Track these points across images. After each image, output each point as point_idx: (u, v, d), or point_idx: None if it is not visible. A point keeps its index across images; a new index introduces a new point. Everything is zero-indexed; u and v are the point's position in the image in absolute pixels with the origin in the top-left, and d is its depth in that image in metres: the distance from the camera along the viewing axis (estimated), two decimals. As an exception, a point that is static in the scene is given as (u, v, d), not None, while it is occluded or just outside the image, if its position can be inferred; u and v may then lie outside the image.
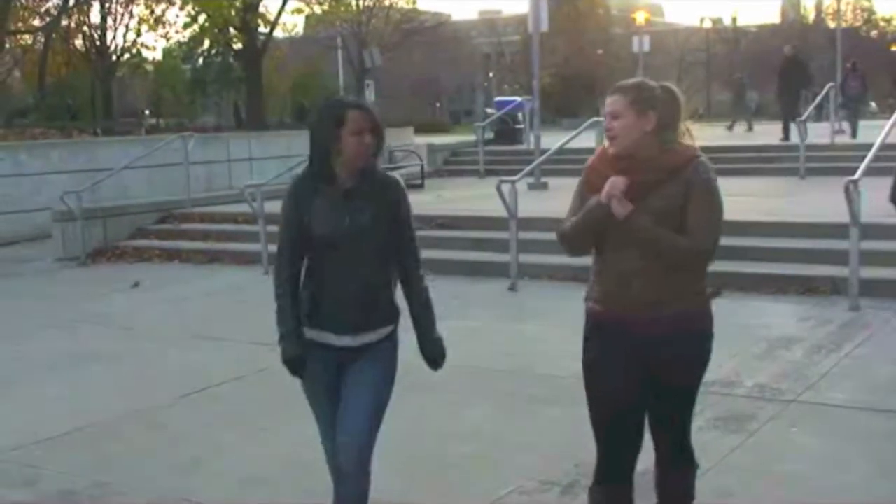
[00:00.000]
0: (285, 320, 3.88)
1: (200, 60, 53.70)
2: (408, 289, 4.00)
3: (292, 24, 39.56)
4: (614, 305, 3.74)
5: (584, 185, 3.84)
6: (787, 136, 19.96)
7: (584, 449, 4.08)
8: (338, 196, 3.81)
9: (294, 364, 3.87)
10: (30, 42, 43.28)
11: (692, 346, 3.76)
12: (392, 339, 3.98)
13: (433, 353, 4.03)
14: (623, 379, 3.74)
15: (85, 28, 44.89)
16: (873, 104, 67.63)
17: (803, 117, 17.29)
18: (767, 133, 24.18)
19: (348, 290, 3.83)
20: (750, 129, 29.43)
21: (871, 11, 76.09)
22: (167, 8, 34.63)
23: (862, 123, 22.97)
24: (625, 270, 3.68)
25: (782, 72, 21.64)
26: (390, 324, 3.96)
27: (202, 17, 29.60)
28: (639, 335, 3.69)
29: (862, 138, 18.58)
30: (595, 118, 14.12)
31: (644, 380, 3.74)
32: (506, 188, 10.51)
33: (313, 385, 3.97)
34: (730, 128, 30.52)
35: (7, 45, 33.96)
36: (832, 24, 62.39)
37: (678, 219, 3.60)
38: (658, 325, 3.66)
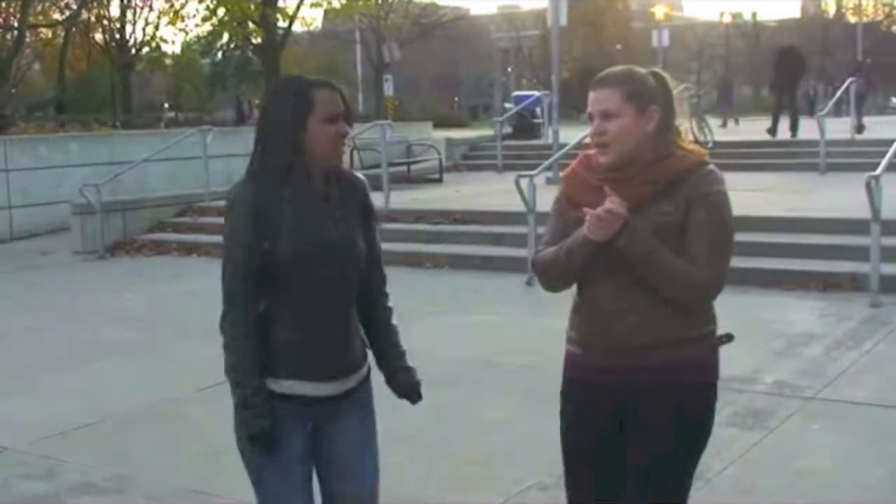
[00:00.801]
0: (247, 380, 2.95)
1: (219, 54, 53.80)
2: (371, 314, 3.19)
3: (311, 19, 39.70)
4: (595, 351, 3.07)
5: (563, 201, 3.16)
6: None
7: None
8: (313, 202, 2.94)
9: (264, 438, 2.93)
10: (50, 36, 43.47)
11: (686, 403, 3.02)
12: (369, 381, 3.19)
13: (409, 385, 3.21)
14: (604, 443, 3.11)
15: (105, 21, 45.11)
16: (894, 99, 67.35)
17: (824, 112, 17.22)
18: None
19: (328, 323, 3.01)
20: (724, 125, 29.92)
21: (891, 6, 75.51)
22: (186, 1, 34.75)
23: (883, 119, 22.91)
24: (609, 307, 3.00)
25: (780, 63, 20.10)
26: (366, 360, 3.18)
27: (221, 11, 29.64)
28: (621, 386, 3.02)
29: (882, 134, 18.46)
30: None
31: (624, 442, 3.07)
32: (524, 183, 10.50)
33: (283, 456, 2.99)
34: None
35: (27, 39, 34.12)
36: (853, 19, 62.06)
37: (675, 241, 2.90)
38: (646, 374, 2.98)
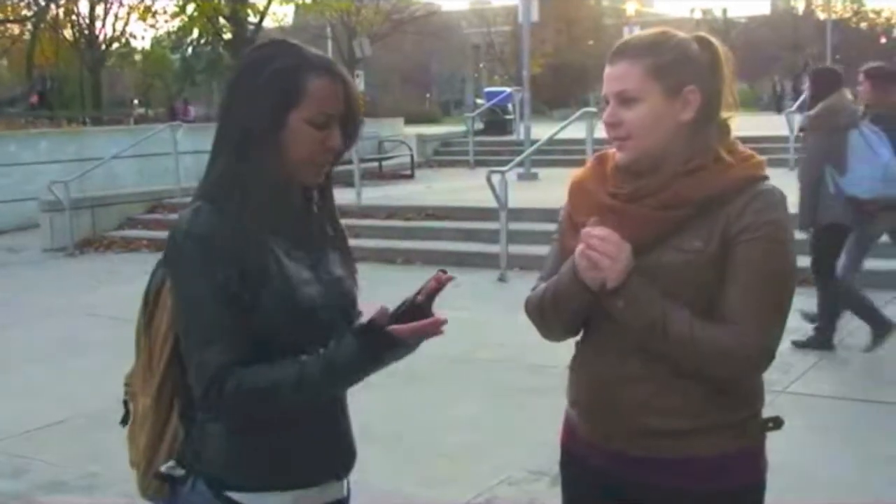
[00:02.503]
0: (306, 367, 1.99)
1: (189, 50, 53.45)
2: None
3: (282, 14, 39.47)
4: (597, 426, 2.26)
5: (566, 221, 2.27)
6: None
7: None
8: (299, 232, 2.13)
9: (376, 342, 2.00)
10: (18, 32, 43.10)
11: None
12: None
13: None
14: None
15: (74, 17, 44.75)
16: (861, 95, 67.88)
17: (792, 109, 17.37)
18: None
19: (333, 402, 2.20)
20: None
21: (860, 3, 76.22)
22: (157, -3, 34.62)
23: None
24: (611, 372, 2.19)
25: None
26: None
27: (191, 7, 29.50)
28: (624, 482, 2.22)
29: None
30: (587, 109, 13.87)
31: None
32: (496, 179, 10.51)
33: None
34: None
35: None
36: (822, 16, 62.52)
37: (705, 289, 2.10)
38: (661, 473, 2.17)
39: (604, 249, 2.04)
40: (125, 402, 2.33)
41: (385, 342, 1.99)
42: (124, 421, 2.33)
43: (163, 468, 2.15)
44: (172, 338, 2.11)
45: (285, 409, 2.04)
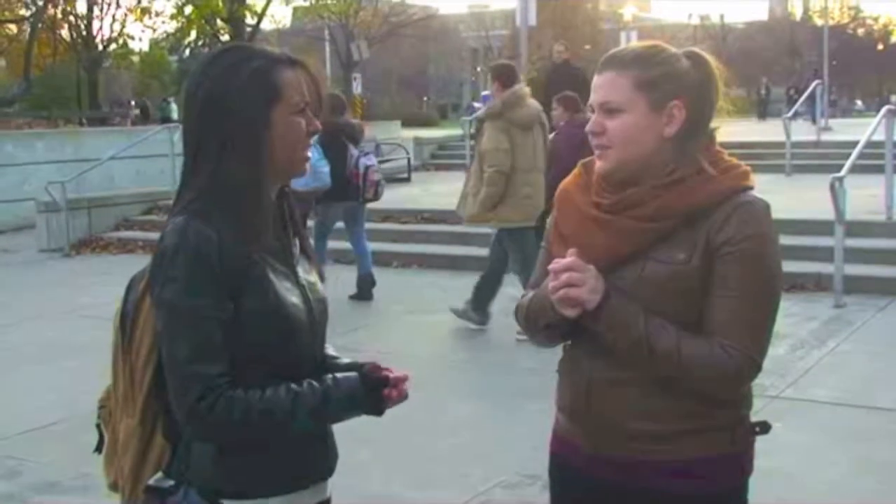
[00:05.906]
0: (292, 398, 2.02)
1: (187, 52, 53.49)
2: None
3: (280, 16, 39.51)
4: (574, 430, 2.29)
5: (553, 230, 2.30)
6: None
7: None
8: (276, 237, 2.13)
9: (376, 394, 2.13)
10: (15, 31, 43.07)
11: None
12: None
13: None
14: None
15: (71, 17, 44.73)
16: (859, 102, 68.07)
17: (789, 115, 17.41)
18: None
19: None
20: None
21: (857, 10, 76.37)
22: (153, -2, 34.68)
23: (849, 121, 23.56)
24: (596, 374, 2.20)
25: (549, 82, 14.09)
26: None
27: (189, 8, 29.55)
28: (611, 485, 2.23)
29: (847, 136, 18.69)
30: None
31: None
32: (492, 182, 10.48)
33: None
34: None
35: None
36: (819, 22, 62.61)
37: (689, 302, 2.10)
38: (648, 476, 2.17)
39: (570, 280, 2.07)
40: (98, 426, 2.32)
41: (377, 397, 2.12)
42: (98, 448, 2.33)
43: (151, 481, 2.12)
44: (156, 356, 2.08)
45: (270, 436, 2.06)
